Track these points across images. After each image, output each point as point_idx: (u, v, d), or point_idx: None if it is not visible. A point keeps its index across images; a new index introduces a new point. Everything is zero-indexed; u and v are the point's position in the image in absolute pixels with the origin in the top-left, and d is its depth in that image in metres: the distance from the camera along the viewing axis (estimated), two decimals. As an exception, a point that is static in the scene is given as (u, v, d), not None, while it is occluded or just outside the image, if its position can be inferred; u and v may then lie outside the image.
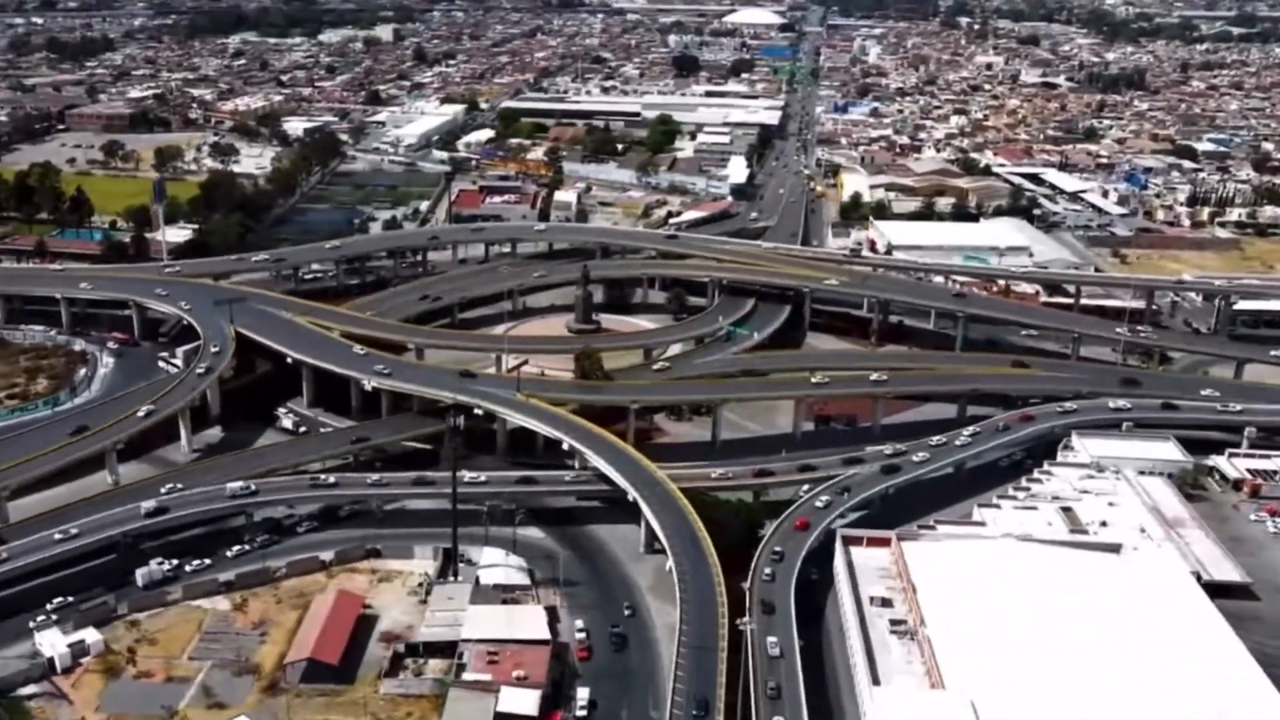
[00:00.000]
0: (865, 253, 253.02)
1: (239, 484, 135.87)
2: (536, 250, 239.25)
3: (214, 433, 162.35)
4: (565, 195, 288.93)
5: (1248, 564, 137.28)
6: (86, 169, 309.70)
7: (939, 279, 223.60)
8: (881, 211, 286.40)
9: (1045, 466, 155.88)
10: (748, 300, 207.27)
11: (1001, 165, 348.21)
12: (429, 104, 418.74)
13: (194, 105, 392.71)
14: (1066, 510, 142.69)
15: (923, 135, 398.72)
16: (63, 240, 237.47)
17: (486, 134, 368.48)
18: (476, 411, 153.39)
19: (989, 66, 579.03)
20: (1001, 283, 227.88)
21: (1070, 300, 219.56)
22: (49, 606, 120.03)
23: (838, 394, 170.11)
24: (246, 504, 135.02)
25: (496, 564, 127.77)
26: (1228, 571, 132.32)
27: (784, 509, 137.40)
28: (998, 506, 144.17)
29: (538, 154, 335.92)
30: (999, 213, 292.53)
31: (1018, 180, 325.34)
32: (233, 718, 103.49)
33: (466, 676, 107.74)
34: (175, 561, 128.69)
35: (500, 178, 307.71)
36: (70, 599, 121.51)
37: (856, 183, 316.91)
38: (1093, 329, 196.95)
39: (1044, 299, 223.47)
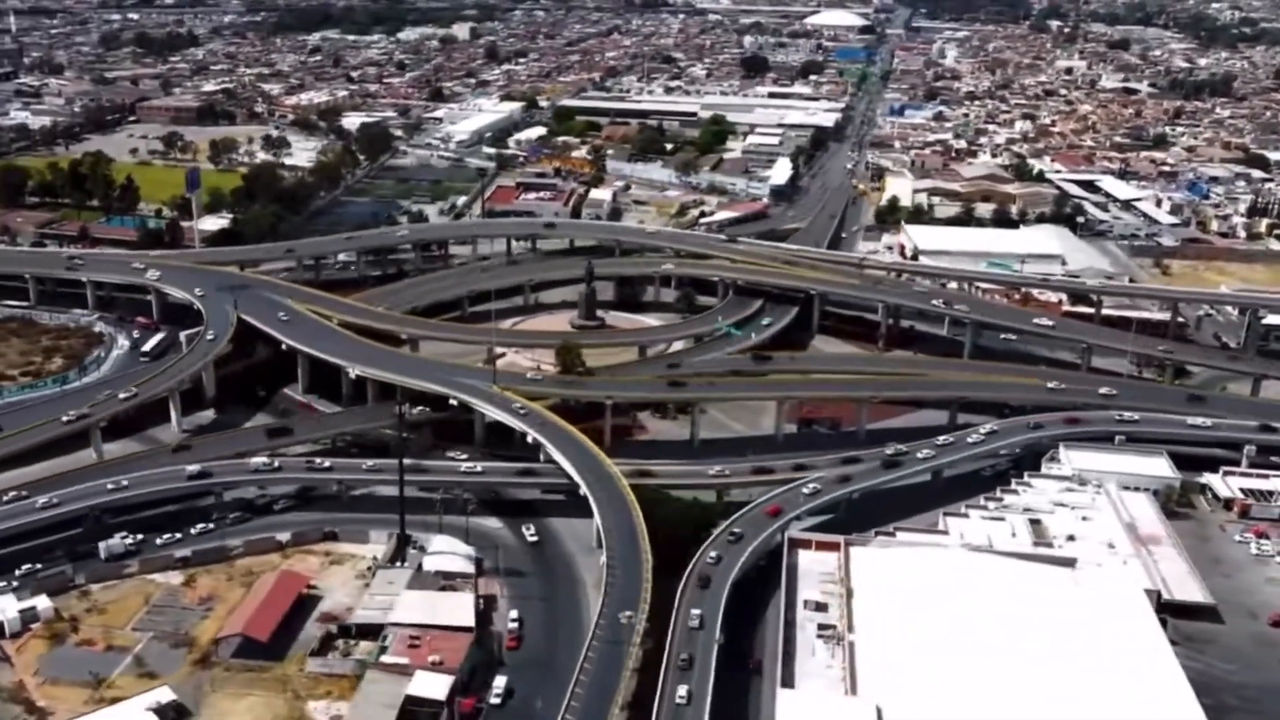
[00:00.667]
0: (895, 257, 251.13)
1: (197, 467, 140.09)
2: (559, 246, 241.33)
3: (207, 414, 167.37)
4: (599, 193, 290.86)
5: (1221, 586, 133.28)
6: (147, 159, 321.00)
7: (953, 284, 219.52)
8: (919, 216, 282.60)
9: (1025, 477, 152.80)
10: (756, 301, 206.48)
11: (1057, 171, 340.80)
12: (489, 101, 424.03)
13: (259, 99, 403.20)
14: (1035, 523, 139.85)
15: (983, 140, 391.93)
16: (105, 227, 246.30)
17: (539, 131, 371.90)
18: (452, 402, 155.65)
19: (1069, 71, 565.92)
20: (1031, 291, 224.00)
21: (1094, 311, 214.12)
22: (17, 573, 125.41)
23: (815, 396, 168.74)
24: (201, 485, 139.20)
25: (443, 551, 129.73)
26: (1191, 592, 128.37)
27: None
28: (965, 516, 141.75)
29: (584, 152, 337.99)
30: (1042, 220, 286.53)
31: (1070, 187, 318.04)
32: (156, 687, 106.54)
33: (385, 659, 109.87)
34: (140, 536, 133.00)
35: (538, 174, 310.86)
36: (38, 566, 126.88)
37: (900, 186, 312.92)
38: (1101, 339, 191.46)
39: (1066, 308, 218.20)
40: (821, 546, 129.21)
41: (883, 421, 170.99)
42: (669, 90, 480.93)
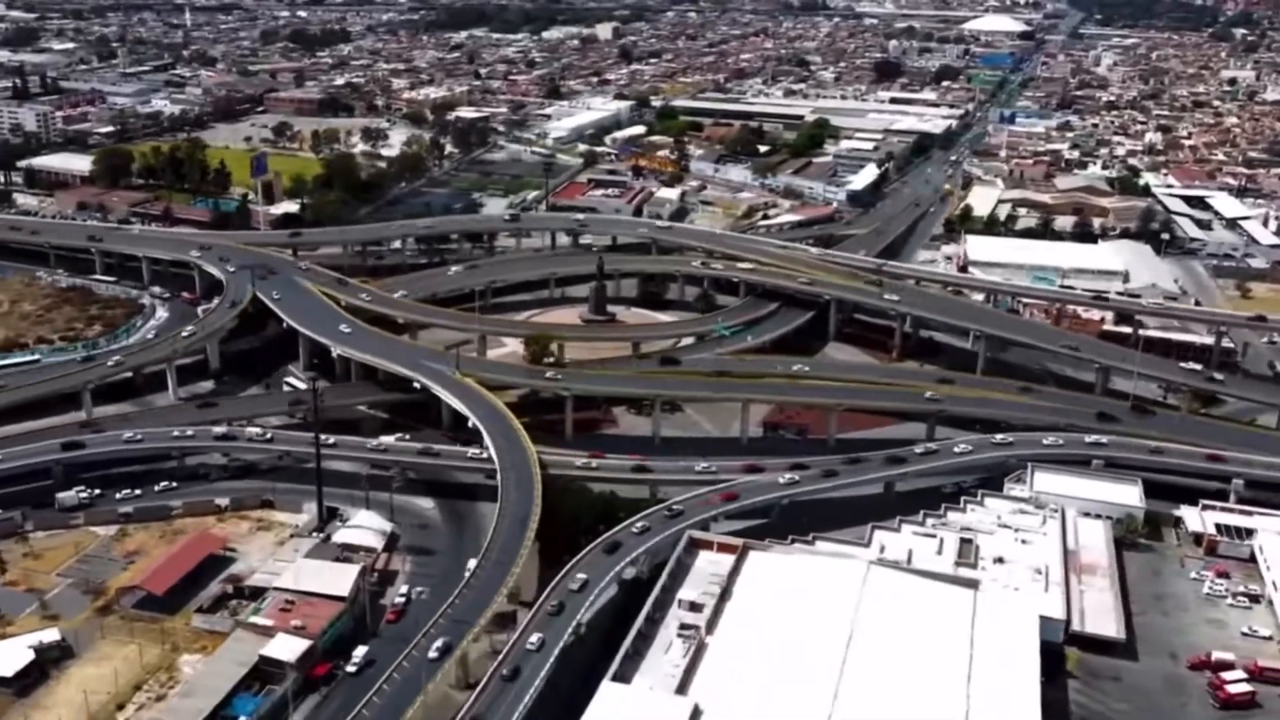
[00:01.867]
0: (948, 267, 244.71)
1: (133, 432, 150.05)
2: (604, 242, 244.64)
3: (207, 384, 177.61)
4: (667, 193, 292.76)
5: (1154, 623, 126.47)
6: (258, 147, 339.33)
7: (978, 296, 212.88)
8: (992, 226, 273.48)
9: (980, 496, 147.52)
10: (772, 304, 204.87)
11: (1168, 186, 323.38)
12: (601, 100, 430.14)
13: (377, 93, 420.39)
14: (966, 542, 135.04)
15: (1102, 151, 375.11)
16: (185, 207, 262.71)
17: (639, 130, 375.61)
18: (415, 385, 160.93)
19: (1232, 82, 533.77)
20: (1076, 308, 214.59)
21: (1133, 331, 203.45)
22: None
23: (777, 399, 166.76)
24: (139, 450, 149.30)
25: (359, 525, 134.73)
26: (1104, 626, 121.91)
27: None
28: (897, 530, 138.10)
29: (670, 152, 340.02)
30: (1126, 235, 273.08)
31: (1174, 203, 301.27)
32: (46, 629, 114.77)
33: (255, 619, 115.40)
34: (97, 491, 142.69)
35: (610, 172, 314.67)
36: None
37: (986, 196, 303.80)
38: (1113, 360, 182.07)
39: (1108, 327, 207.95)
40: (723, 548, 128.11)
41: (859, 432, 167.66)
42: (791, 93, 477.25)
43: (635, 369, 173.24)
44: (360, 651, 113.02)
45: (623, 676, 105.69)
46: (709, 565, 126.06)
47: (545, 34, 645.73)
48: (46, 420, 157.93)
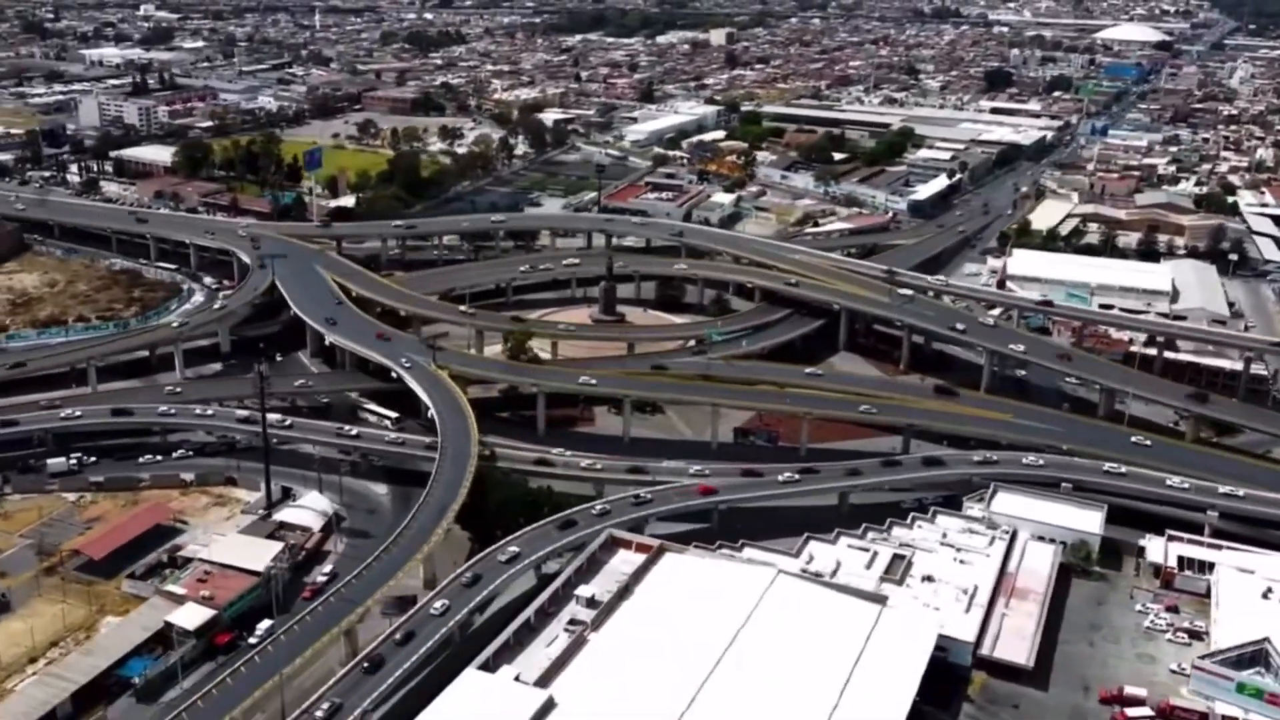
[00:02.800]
0: (990, 282, 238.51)
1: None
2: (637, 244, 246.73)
3: (215, 366, 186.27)
4: (721, 197, 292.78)
5: (1079, 653, 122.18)
6: (342, 143, 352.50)
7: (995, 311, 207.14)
8: (1052, 240, 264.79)
9: (932, 513, 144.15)
10: (782, 310, 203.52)
11: (1264, 205, 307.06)
12: (688, 104, 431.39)
13: (470, 93, 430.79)
14: (899, 558, 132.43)
15: (1204, 166, 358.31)
16: (248, 198, 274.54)
17: (719, 135, 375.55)
18: (393, 375, 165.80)
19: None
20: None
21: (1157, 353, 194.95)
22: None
23: (744, 405, 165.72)
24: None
25: (304, 506, 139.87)
26: (1015, 652, 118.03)
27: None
28: (833, 542, 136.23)
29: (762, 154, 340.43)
30: (1196, 255, 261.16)
31: (1262, 222, 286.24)
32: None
33: (171, 587, 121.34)
34: (82, 457, 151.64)
35: (668, 176, 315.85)
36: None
37: (1055, 209, 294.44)
38: (1113, 381, 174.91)
39: (1137, 349, 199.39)
40: (640, 548, 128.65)
41: (835, 442, 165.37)
42: (891, 101, 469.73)
43: (616, 369, 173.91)
44: (264, 624, 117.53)
45: (492, 665, 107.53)
46: (621, 564, 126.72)
47: (660, 38, 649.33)
48: (61, 392, 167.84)
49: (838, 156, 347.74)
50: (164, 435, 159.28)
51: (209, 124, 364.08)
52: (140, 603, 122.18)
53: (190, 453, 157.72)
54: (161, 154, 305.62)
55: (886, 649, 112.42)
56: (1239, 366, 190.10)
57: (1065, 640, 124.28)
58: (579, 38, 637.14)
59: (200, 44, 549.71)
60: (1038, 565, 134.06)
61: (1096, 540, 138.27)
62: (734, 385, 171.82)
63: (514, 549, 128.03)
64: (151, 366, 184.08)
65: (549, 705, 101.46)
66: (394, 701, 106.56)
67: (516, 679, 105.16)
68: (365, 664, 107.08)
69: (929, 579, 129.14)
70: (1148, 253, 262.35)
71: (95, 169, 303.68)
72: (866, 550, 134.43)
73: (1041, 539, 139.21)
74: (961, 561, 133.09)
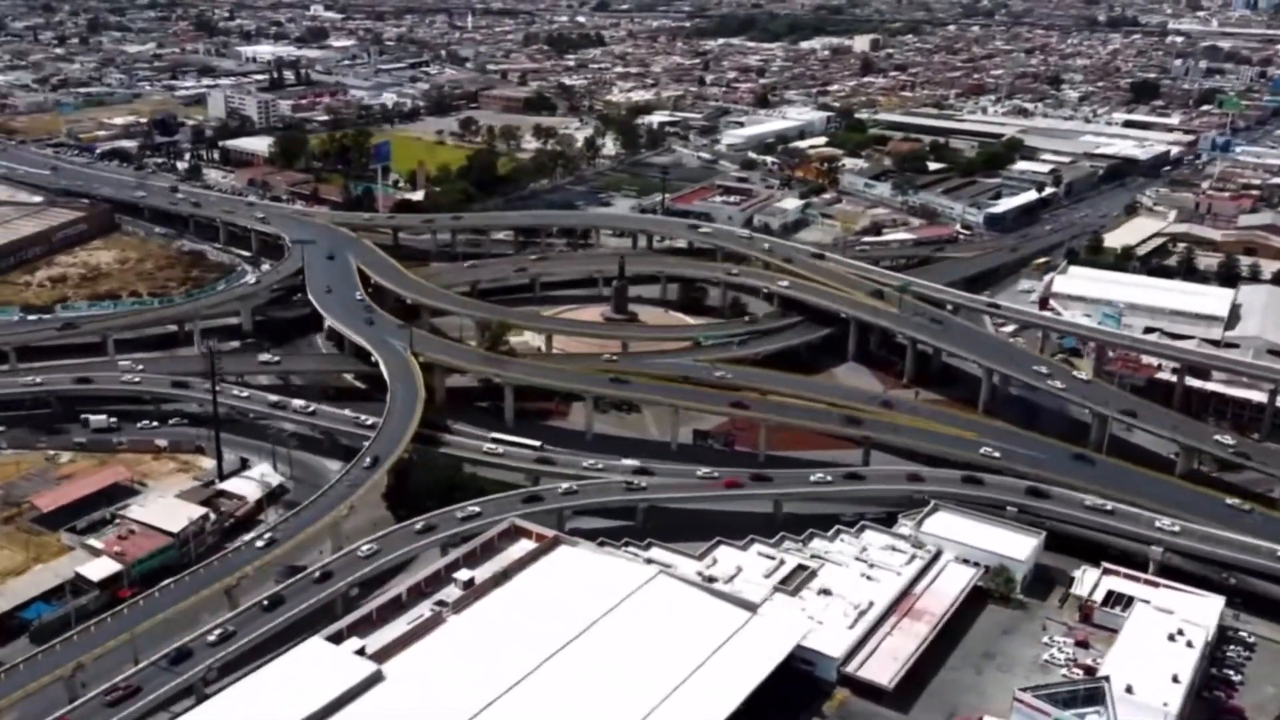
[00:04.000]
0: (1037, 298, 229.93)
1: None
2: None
3: (234, 343, 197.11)
4: (786, 203, 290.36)
5: (961, 681, 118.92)
6: (444, 139, 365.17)
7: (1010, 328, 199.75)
8: (1125, 259, 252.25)
9: (860, 526, 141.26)
10: (795, 316, 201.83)
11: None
12: (797, 109, 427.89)
13: (581, 94, 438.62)
14: (802, 568, 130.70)
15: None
16: (327, 187, 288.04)
17: (819, 141, 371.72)
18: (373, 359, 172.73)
19: None
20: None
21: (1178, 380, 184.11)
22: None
23: (697, 407, 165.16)
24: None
25: (247, 476, 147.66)
26: (879, 673, 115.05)
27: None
28: (744, 549, 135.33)
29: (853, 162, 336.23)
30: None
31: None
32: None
33: (92, 541, 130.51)
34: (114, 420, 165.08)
35: (739, 179, 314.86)
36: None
37: (1142, 227, 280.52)
38: (1097, 404, 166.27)
39: (1162, 376, 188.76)
40: (539, 538, 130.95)
41: (796, 451, 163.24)
42: (1021, 111, 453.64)
43: (587, 366, 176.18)
44: (166, 582, 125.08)
45: (344, 636, 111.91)
46: (516, 551, 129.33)
47: (804, 44, 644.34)
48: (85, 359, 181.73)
49: (934, 166, 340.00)
50: (158, 404, 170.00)
51: (325, 118, 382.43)
52: (70, 552, 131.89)
53: (186, 421, 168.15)
54: (261, 145, 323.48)
55: (737, 654, 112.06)
56: (1261, 398, 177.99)
57: (952, 666, 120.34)
58: (721, 42, 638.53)
59: (350, 43, 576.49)
60: (948, 588, 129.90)
61: (1021, 567, 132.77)
62: (712, 389, 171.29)
63: (419, 527, 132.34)
64: (179, 341, 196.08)
65: (375, 678, 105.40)
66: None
67: (359, 651, 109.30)
68: (219, 630, 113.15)
69: (826, 592, 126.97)
70: (1229, 276, 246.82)
71: (203, 157, 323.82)
72: (773, 559, 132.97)
73: (965, 562, 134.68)
74: (868, 578, 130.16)
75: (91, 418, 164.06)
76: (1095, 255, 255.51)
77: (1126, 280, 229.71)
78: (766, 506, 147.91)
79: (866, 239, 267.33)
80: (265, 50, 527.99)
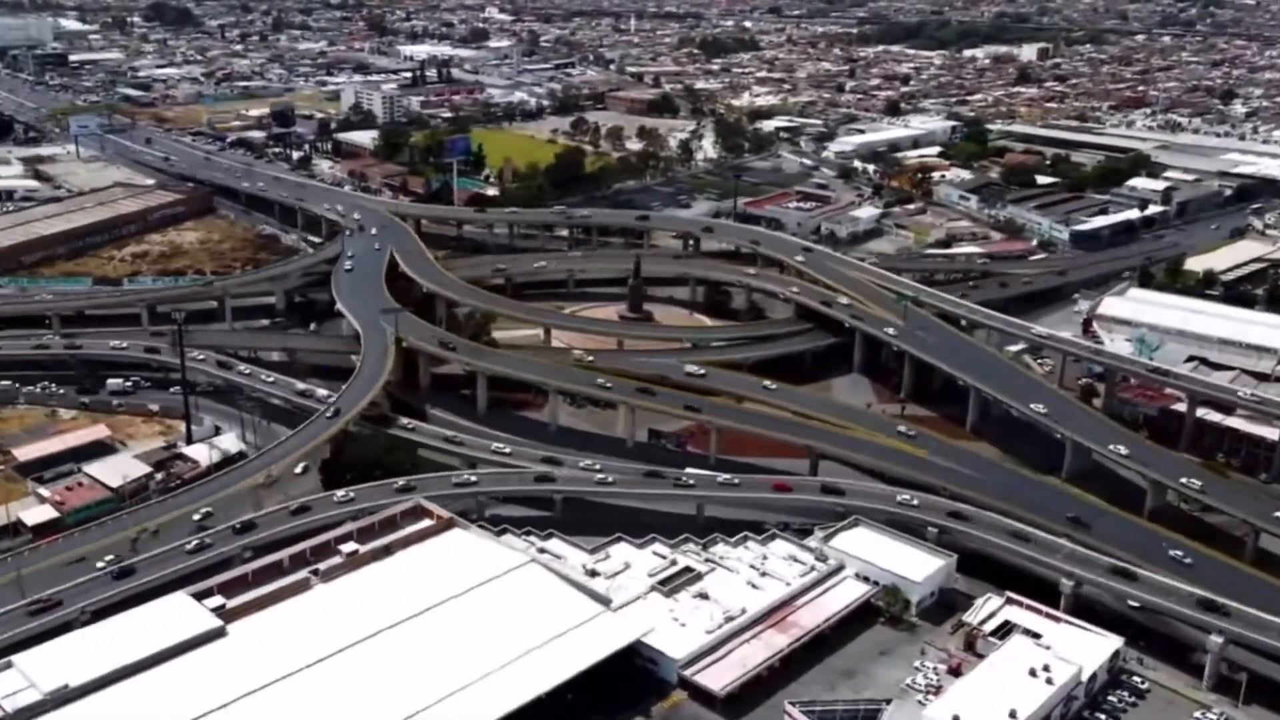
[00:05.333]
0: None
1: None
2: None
3: (263, 321, 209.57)
4: (861, 212, 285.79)
5: (805, 695, 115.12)
6: (555, 138, 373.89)
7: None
8: (1209, 285, 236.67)
9: (768, 535, 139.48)
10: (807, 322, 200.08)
11: None
12: (920, 119, 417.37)
13: (705, 98, 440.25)
14: (687, 570, 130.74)
15: None
16: (415, 179, 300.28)
17: (929, 151, 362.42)
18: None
19: None
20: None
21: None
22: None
23: (646, 406, 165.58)
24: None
25: (212, 443, 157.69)
26: (715, 679, 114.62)
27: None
28: (641, 547, 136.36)
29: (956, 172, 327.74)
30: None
31: None
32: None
33: (41, 490, 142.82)
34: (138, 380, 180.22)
35: (819, 185, 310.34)
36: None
37: (1241, 251, 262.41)
38: (1073, 430, 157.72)
39: (1176, 406, 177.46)
40: (438, 519, 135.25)
41: (748, 457, 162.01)
42: (1174, 127, 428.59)
43: (560, 361, 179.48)
44: (73, 530, 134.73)
45: (209, 593, 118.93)
46: (411, 529, 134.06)
47: (968, 51, 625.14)
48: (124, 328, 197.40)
49: (1044, 180, 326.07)
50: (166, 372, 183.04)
51: (449, 115, 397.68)
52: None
53: (201, 389, 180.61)
54: (367, 138, 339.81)
55: (571, 644, 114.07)
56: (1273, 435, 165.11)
57: (806, 681, 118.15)
58: (880, 48, 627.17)
59: (507, 43, 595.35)
60: (833, 603, 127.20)
61: (918, 589, 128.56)
62: (679, 390, 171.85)
63: (340, 496, 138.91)
64: (218, 316, 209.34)
65: (216, 633, 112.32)
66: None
67: (218, 609, 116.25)
68: (114, 570, 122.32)
69: (703, 596, 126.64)
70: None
71: (318, 148, 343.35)
72: (664, 559, 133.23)
73: (865, 579, 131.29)
74: (753, 586, 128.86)
75: (110, 381, 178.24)
76: (1174, 278, 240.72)
77: (1186, 305, 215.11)
78: (680, 506, 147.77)
79: (933, 251, 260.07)
80: (422, 50, 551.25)
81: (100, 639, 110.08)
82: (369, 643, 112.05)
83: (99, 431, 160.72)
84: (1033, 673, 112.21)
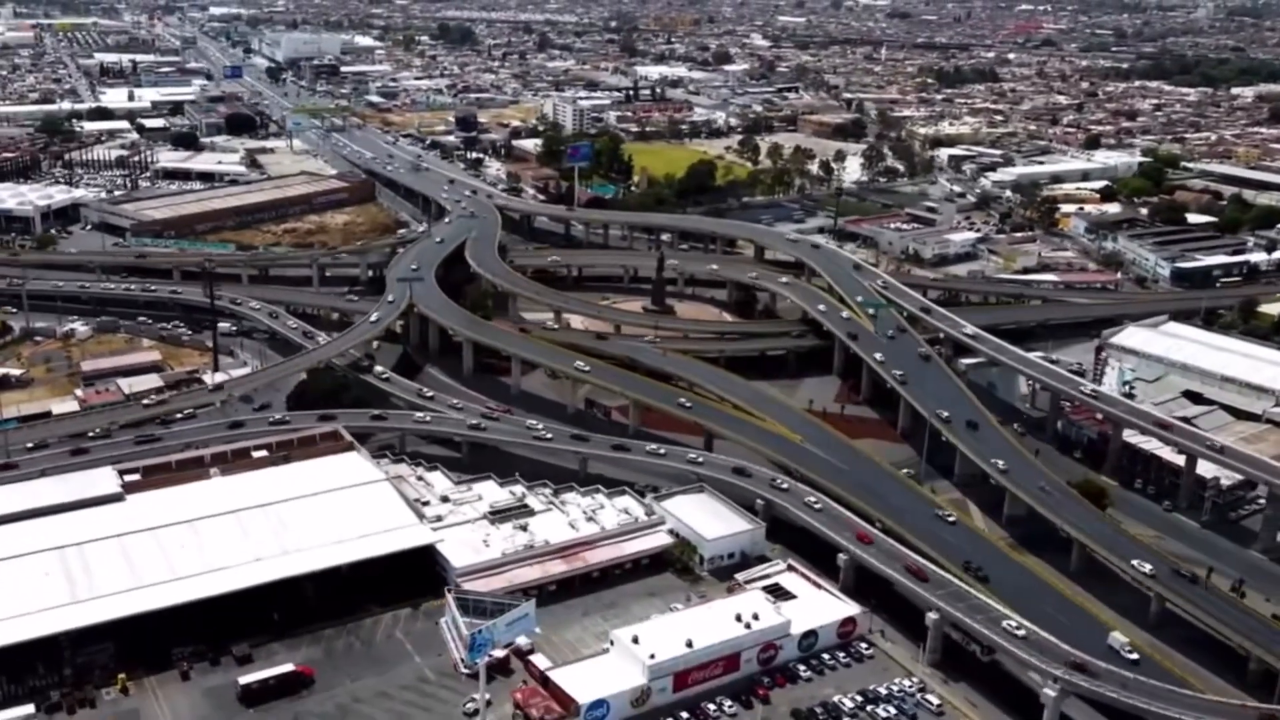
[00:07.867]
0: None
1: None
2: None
3: (343, 289, 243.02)
4: (959, 235, 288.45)
5: (567, 616, 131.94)
6: (724, 155, 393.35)
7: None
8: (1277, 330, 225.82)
9: (621, 489, 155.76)
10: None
11: None
12: (1106, 153, 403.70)
13: (891, 123, 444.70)
14: (524, 508, 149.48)
15: None
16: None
17: (1089, 185, 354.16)
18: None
19: None
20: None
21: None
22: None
23: (576, 376, 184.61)
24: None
25: (231, 371, 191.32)
26: (479, 585, 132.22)
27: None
28: (501, 485, 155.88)
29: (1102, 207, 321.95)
30: None
31: None
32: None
33: (78, 391, 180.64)
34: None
35: (928, 209, 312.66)
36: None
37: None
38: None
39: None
40: (347, 443, 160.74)
41: (662, 430, 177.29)
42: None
43: (538, 338, 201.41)
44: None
45: (129, 471, 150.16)
46: (319, 447, 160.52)
47: (1235, 89, 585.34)
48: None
49: (1195, 219, 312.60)
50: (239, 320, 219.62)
51: (636, 129, 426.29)
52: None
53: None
54: (532, 145, 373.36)
55: (377, 541, 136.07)
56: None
57: (570, 604, 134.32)
58: (1137, 84, 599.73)
59: (744, 67, 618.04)
60: (630, 549, 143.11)
61: (708, 546, 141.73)
62: (644, 376, 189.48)
63: (276, 417, 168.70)
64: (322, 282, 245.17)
65: (115, 498, 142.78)
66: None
67: (129, 484, 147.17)
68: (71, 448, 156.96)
69: (523, 528, 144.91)
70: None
71: (493, 152, 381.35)
72: (513, 496, 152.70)
73: (674, 534, 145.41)
74: (573, 526, 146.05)
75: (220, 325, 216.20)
76: (1245, 319, 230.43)
77: (1210, 342, 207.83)
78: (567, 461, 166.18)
79: (1006, 277, 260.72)
80: (655, 70, 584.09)
81: (28, 490, 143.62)
82: (226, 516, 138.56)
83: (152, 356, 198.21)
84: (739, 618, 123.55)
